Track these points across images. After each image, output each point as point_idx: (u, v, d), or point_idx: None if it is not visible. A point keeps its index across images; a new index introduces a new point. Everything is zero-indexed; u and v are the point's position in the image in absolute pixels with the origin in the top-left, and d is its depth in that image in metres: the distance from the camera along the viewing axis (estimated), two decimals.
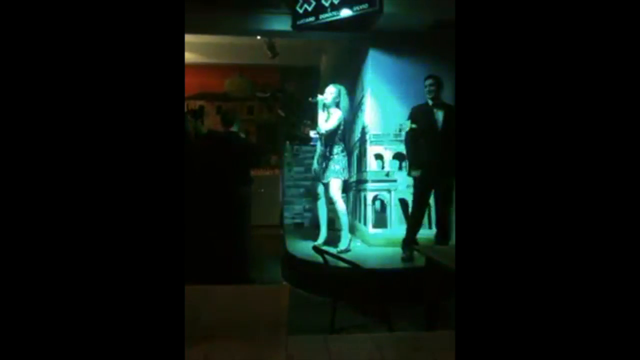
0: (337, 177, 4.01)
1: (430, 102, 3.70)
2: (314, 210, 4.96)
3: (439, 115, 3.65)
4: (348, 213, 4.41)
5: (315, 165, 4.25)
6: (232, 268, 3.56)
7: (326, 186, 4.08)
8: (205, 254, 3.49)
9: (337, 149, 4.07)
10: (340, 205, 4.02)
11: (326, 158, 4.08)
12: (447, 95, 3.89)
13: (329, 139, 4.05)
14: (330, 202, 4.10)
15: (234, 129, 3.78)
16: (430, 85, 3.67)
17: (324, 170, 4.08)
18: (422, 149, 3.68)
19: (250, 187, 3.80)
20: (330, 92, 4.09)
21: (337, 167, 4.03)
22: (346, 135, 4.35)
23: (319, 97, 4.09)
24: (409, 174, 3.79)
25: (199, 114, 4.15)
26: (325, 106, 4.07)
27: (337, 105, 4.08)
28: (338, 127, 4.03)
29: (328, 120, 4.03)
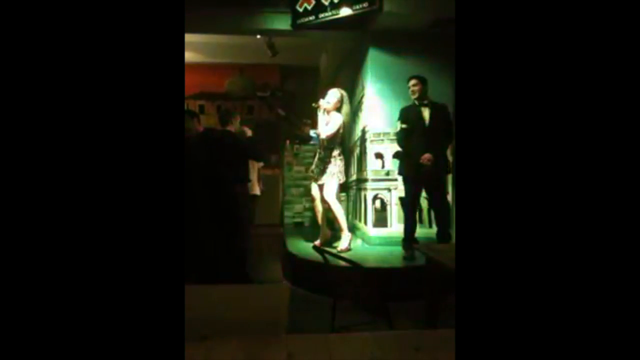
0: (332, 179, 4.01)
1: (416, 102, 3.74)
2: (313, 210, 4.97)
3: (425, 114, 3.70)
4: (348, 212, 4.41)
5: (313, 167, 4.27)
6: (229, 267, 3.56)
7: (321, 188, 4.08)
8: (200, 253, 3.48)
9: (334, 152, 4.07)
10: (336, 206, 4.02)
11: (324, 161, 4.09)
12: (446, 94, 3.90)
13: (329, 142, 4.05)
14: (325, 203, 4.10)
15: (231, 128, 3.77)
16: (413, 85, 3.73)
17: (321, 172, 4.09)
18: (415, 146, 3.72)
19: (246, 185, 3.79)
20: (333, 95, 4.09)
21: (334, 169, 4.03)
22: (345, 140, 4.35)
23: (321, 101, 4.10)
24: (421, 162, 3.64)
25: (193, 113, 4.15)
26: (326, 110, 4.07)
27: (338, 109, 4.07)
28: (338, 131, 4.04)
29: (329, 124, 4.03)
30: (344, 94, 4.16)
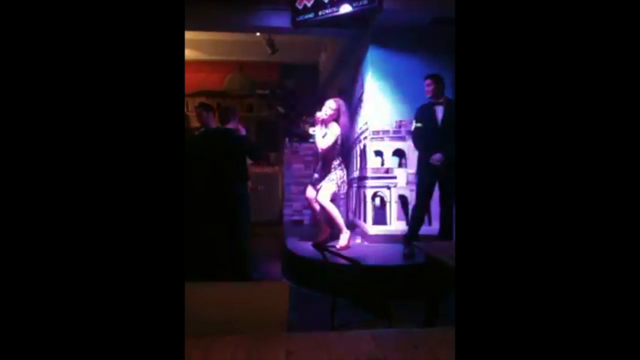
0: (329, 184, 4.00)
1: (431, 101, 3.73)
2: (313, 208, 4.96)
3: (439, 112, 3.69)
4: (347, 210, 4.40)
5: (315, 174, 4.26)
6: (231, 266, 3.57)
7: (317, 191, 4.07)
8: (202, 251, 3.49)
9: (334, 162, 4.06)
10: (329, 208, 4.00)
11: (324, 171, 4.08)
12: (447, 91, 3.89)
13: (328, 153, 4.04)
14: (320, 206, 4.09)
15: (231, 125, 3.77)
16: (427, 85, 3.73)
17: (320, 179, 4.08)
18: (428, 145, 3.72)
19: (246, 184, 3.80)
20: (330, 107, 4.08)
21: (334, 177, 4.02)
22: (344, 150, 4.32)
23: (317, 114, 4.08)
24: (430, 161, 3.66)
25: (209, 107, 4.12)
26: (323, 122, 4.05)
27: (336, 120, 4.06)
28: (336, 142, 4.01)
29: (325, 136, 4.02)
30: (342, 103, 4.13)
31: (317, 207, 4.21)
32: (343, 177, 4.08)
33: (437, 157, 3.58)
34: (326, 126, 4.05)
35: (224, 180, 3.63)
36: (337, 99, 4.18)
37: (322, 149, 4.02)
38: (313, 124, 4.22)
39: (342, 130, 4.06)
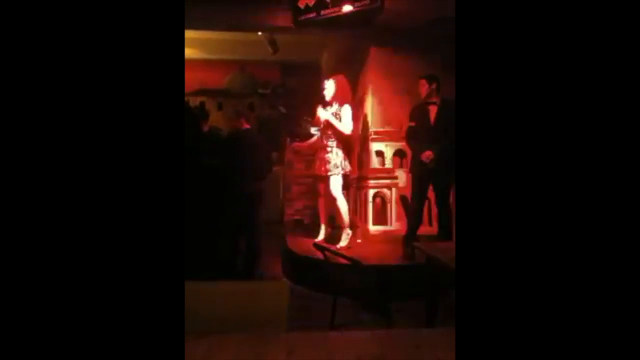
0: (337, 173, 4.01)
1: (425, 101, 3.75)
2: (314, 207, 4.96)
3: (431, 112, 3.71)
4: (349, 210, 4.39)
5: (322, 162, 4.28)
6: (243, 265, 3.63)
7: (327, 182, 4.07)
8: (214, 250, 3.54)
9: (331, 142, 4.07)
10: (341, 202, 4.01)
11: (324, 151, 4.08)
12: (447, 91, 3.90)
13: (331, 131, 4.05)
14: (331, 199, 4.09)
15: (246, 125, 3.83)
16: (422, 85, 3.76)
17: (324, 163, 4.08)
18: (421, 144, 3.73)
19: (261, 183, 3.85)
20: (330, 86, 4.10)
21: (336, 160, 4.03)
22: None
23: (319, 108, 4.08)
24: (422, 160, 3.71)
25: (206, 114, 4.17)
26: (335, 114, 4.06)
27: (339, 98, 4.07)
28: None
29: (343, 120, 4.02)
30: (335, 80, 4.16)
31: (322, 204, 4.21)
32: (342, 157, 4.07)
33: (427, 154, 3.59)
34: (339, 110, 4.04)
35: (245, 180, 3.69)
36: (334, 78, 4.18)
37: (351, 131, 4.02)
38: (313, 123, 4.23)
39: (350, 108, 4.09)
